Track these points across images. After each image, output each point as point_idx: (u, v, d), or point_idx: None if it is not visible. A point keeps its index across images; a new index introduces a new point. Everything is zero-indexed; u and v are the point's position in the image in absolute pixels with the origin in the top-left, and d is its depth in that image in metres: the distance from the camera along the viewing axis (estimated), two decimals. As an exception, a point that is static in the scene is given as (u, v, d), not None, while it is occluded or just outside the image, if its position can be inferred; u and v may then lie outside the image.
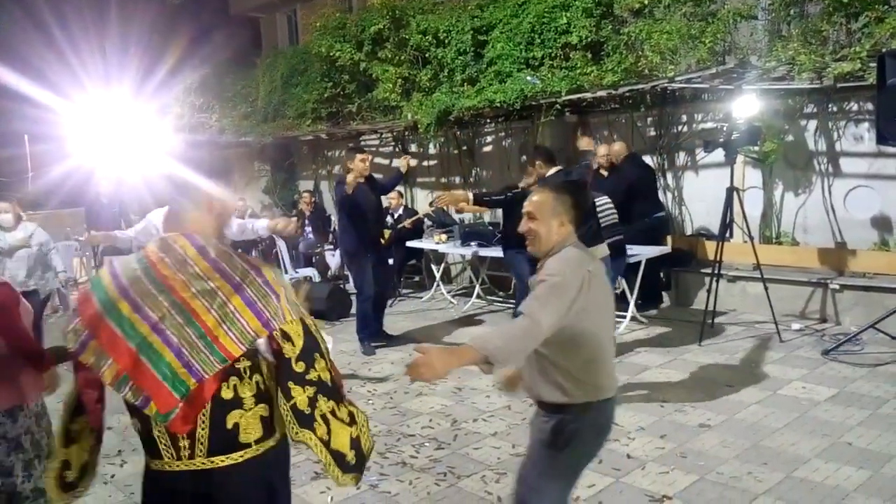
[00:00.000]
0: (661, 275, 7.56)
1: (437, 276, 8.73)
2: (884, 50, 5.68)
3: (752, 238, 6.32)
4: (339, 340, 6.96)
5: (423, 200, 10.20)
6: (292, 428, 1.81)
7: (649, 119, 8.23)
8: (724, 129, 6.79)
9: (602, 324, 2.44)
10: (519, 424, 4.52)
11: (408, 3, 10.31)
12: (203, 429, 1.79)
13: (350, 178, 6.09)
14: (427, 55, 9.71)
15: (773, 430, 4.22)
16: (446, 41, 9.41)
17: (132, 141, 10.90)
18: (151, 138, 11.10)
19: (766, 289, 6.08)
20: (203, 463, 1.80)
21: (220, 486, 1.82)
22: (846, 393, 4.77)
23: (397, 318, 7.84)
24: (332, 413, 1.86)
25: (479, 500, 3.59)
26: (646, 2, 7.49)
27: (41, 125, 12.77)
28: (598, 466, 3.84)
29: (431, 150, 10.39)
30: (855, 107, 6.73)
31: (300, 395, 1.80)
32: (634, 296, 6.80)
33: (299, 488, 3.78)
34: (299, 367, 1.80)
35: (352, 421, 1.91)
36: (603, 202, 5.92)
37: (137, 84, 12.38)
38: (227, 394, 1.79)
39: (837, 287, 6.45)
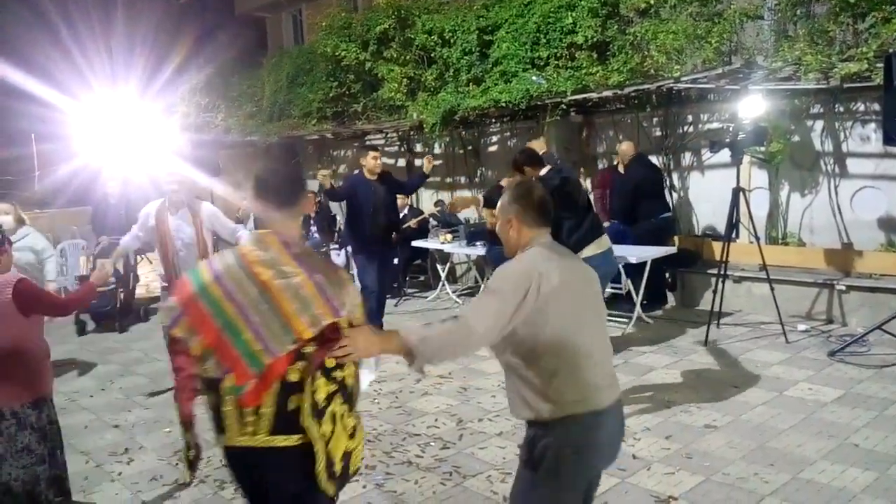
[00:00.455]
0: (667, 275, 7.55)
1: (443, 275, 8.74)
2: (891, 50, 5.67)
3: (758, 238, 6.31)
4: (345, 340, 6.97)
5: (428, 200, 10.21)
6: (304, 415, 1.97)
7: (655, 119, 8.22)
8: (730, 129, 6.78)
9: (571, 330, 2.17)
10: (523, 425, 4.51)
11: (413, 3, 10.31)
12: (268, 407, 1.98)
13: (330, 178, 6.33)
14: (432, 55, 9.71)
15: (779, 432, 4.21)
16: (452, 41, 9.41)
17: (138, 140, 10.95)
18: (158, 137, 11.14)
19: (772, 289, 6.06)
20: (264, 441, 1.98)
21: (272, 466, 1.99)
22: (853, 394, 4.76)
23: (403, 317, 7.85)
24: (341, 417, 2.04)
25: (485, 499, 3.59)
26: (652, 2, 7.48)
27: (48, 124, 12.83)
28: (604, 467, 3.85)
29: (437, 150, 10.39)
30: (862, 107, 6.71)
31: (323, 387, 2.00)
32: (640, 296, 6.80)
33: (305, 487, 3.79)
34: (330, 363, 2.01)
35: (352, 435, 2.08)
36: None
37: (143, 83, 12.43)
38: (292, 376, 1.99)
39: (844, 288, 6.43)
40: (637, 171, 7.37)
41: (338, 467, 2.02)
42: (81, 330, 7.78)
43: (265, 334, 1.97)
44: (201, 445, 2.21)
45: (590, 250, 4.75)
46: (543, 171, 4.95)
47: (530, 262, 2.22)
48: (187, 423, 2.13)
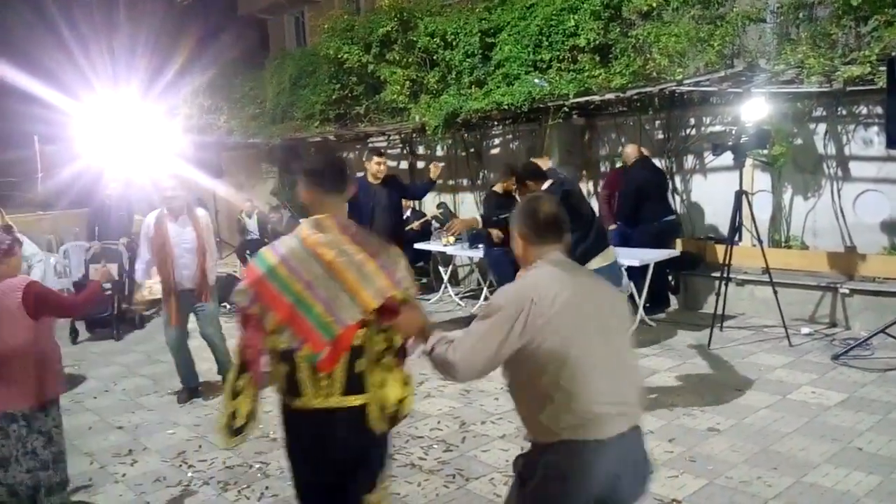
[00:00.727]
0: (670, 278, 7.55)
1: (445, 278, 8.74)
2: (894, 53, 5.67)
3: (760, 242, 6.31)
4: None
5: (430, 202, 10.21)
6: (384, 356, 2.30)
7: (657, 122, 8.23)
8: (733, 132, 6.78)
9: (570, 354, 2.05)
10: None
11: (416, 6, 10.33)
12: (340, 370, 2.24)
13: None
14: (435, 57, 9.73)
15: (782, 435, 4.21)
16: (454, 43, 9.42)
17: (141, 142, 10.96)
18: (160, 139, 11.16)
19: (775, 293, 6.06)
20: (337, 401, 2.24)
21: (342, 424, 2.25)
22: (856, 398, 4.76)
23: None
24: (391, 369, 2.32)
25: (488, 502, 3.59)
26: (654, 4, 7.48)
27: (51, 126, 12.85)
28: (607, 470, 3.84)
29: (439, 152, 10.41)
30: (864, 110, 6.71)
31: (378, 344, 2.29)
32: (643, 299, 6.80)
33: (309, 490, 3.80)
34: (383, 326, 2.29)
35: (405, 383, 2.35)
36: None
37: (146, 85, 12.45)
38: (358, 341, 2.26)
39: (847, 291, 6.43)
40: (639, 173, 7.37)
41: (389, 410, 2.30)
42: (75, 339, 7.49)
43: (335, 307, 2.21)
44: (256, 416, 2.40)
45: (596, 262, 4.72)
46: (546, 185, 4.99)
47: (526, 287, 2.13)
48: (254, 394, 2.35)
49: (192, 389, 5.44)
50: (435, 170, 6.93)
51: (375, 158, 6.58)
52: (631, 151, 7.50)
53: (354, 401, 2.26)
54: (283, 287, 2.23)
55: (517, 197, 5.70)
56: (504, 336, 2.05)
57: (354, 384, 2.26)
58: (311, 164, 2.43)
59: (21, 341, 3.12)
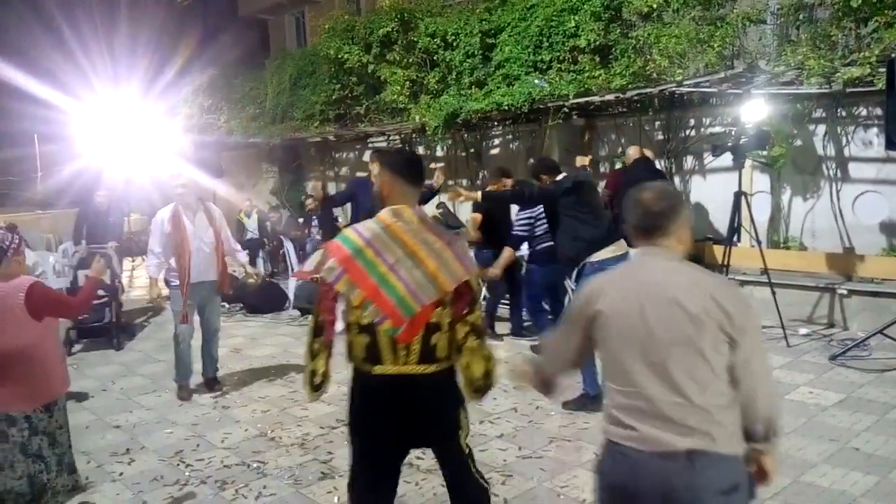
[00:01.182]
0: None
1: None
2: (893, 55, 5.68)
3: (759, 243, 6.31)
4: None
5: (430, 202, 10.21)
6: (446, 349, 2.53)
7: (657, 123, 8.23)
8: (733, 133, 6.79)
9: (617, 359, 2.00)
10: (525, 427, 4.52)
11: (416, 6, 10.35)
12: (417, 343, 2.49)
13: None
14: (435, 58, 9.74)
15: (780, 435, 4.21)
16: (454, 44, 9.44)
17: (141, 141, 10.97)
18: (160, 139, 11.16)
19: (773, 293, 6.06)
20: (412, 369, 2.49)
21: (418, 387, 2.51)
22: (854, 398, 4.76)
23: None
24: (476, 348, 2.55)
25: (486, 501, 3.59)
26: (654, 6, 7.49)
27: (50, 125, 12.87)
28: (605, 469, 3.84)
29: (439, 153, 10.41)
30: (864, 112, 6.72)
31: (461, 329, 2.54)
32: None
33: (306, 488, 3.80)
34: (468, 308, 2.54)
35: (488, 359, 2.56)
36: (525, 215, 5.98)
37: (146, 85, 12.47)
38: (434, 318, 2.50)
39: (845, 292, 6.43)
40: (635, 174, 7.35)
41: (480, 383, 2.56)
42: (69, 350, 6.79)
43: (414, 287, 2.45)
44: (330, 376, 2.67)
45: (608, 252, 4.71)
46: (559, 177, 5.08)
47: (590, 286, 2.13)
48: (327, 356, 2.64)
49: (188, 385, 5.48)
50: (441, 174, 6.85)
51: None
52: (633, 152, 7.48)
53: (428, 369, 2.52)
54: (370, 267, 2.47)
55: None
56: (574, 331, 2.16)
57: (428, 355, 2.51)
58: (394, 159, 2.69)
59: (24, 342, 3.09)
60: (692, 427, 1.89)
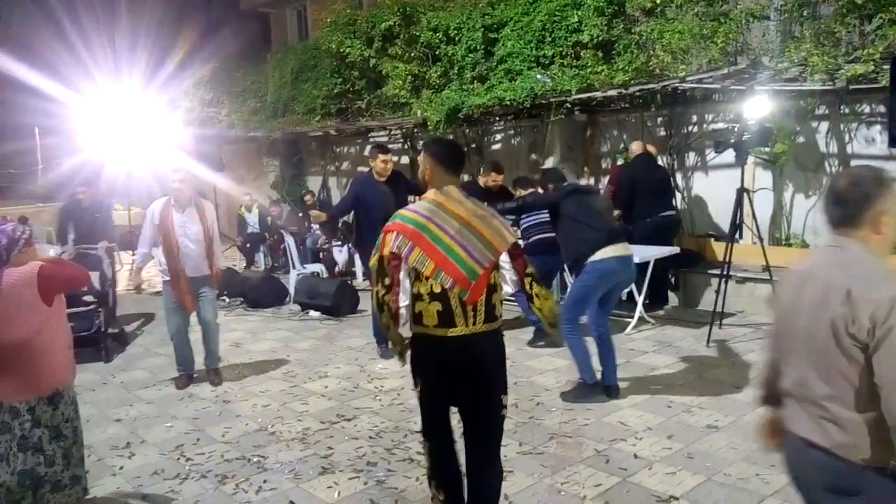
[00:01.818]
0: (670, 275, 7.53)
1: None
2: (897, 52, 5.65)
3: (761, 239, 6.29)
4: (347, 336, 6.97)
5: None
6: (543, 293, 2.98)
7: (659, 119, 8.21)
8: (735, 129, 6.77)
9: (776, 339, 2.15)
10: (526, 423, 4.52)
11: (419, 0, 10.31)
12: (482, 304, 2.81)
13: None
14: (437, 52, 9.71)
15: (781, 433, 4.20)
16: (457, 38, 9.41)
17: (142, 134, 10.94)
18: (161, 132, 11.13)
19: (775, 290, 6.04)
20: (480, 328, 2.81)
21: (486, 343, 2.86)
22: (855, 396, 4.75)
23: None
24: (541, 293, 2.97)
25: (486, 497, 3.58)
26: (658, 1, 7.45)
27: (51, 118, 12.85)
28: (605, 466, 3.84)
29: (440, 148, 10.38)
30: (867, 109, 6.69)
31: (528, 279, 2.94)
32: (642, 296, 6.79)
33: (306, 483, 3.80)
34: (525, 264, 2.95)
35: (549, 297, 3.02)
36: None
37: (147, 77, 12.43)
38: (492, 280, 2.85)
39: (847, 290, 6.41)
40: (635, 168, 7.34)
41: (553, 318, 3.03)
42: None
43: (475, 254, 2.80)
44: (406, 340, 2.92)
45: (608, 252, 4.74)
46: (564, 185, 5.31)
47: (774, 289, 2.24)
48: (395, 323, 2.83)
49: (189, 376, 5.55)
50: None
51: (381, 156, 6.21)
52: (636, 147, 7.47)
53: (492, 326, 2.86)
54: (435, 240, 2.79)
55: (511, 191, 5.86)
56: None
57: (491, 314, 2.85)
58: (437, 148, 3.01)
59: (35, 330, 3.08)
60: (821, 421, 1.94)
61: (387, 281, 2.81)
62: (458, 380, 2.86)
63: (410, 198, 7.49)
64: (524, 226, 6.30)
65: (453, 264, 2.77)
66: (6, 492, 3.06)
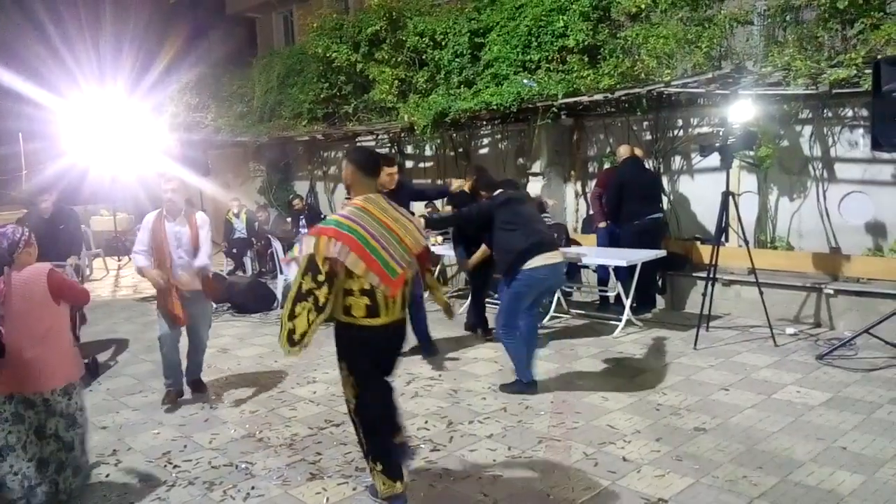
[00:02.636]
0: (658, 278, 7.57)
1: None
2: (879, 56, 5.72)
3: (747, 242, 6.34)
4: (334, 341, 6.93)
5: (419, 204, 10.21)
6: (435, 285, 3.84)
7: (645, 123, 8.26)
8: (720, 133, 6.81)
9: None
10: (514, 427, 4.52)
11: (405, 5, 10.33)
12: (399, 297, 3.32)
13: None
14: (424, 57, 9.73)
15: (767, 434, 4.23)
16: (443, 43, 9.43)
17: (127, 139, 10.87)
18: (146, 136, 11.07)
19: (760, 293, 6.10)
20: (398, 317, 3.39)
21: (402, 329, 3.49)
22: (840, 398, 4.79)
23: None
24: (435, 285, 3.82)
25: (476, 502, 3.58)
26: (642, 6, 7.52)
27: (35, 123, 12.73)
28: (594, 470, 3.85)
29: (427, 152, 10.40)
30: (850, 112, 6.77)
31: (429, 274, 3.77)
32: (630, 299, 6.82)
33: (295, 489, 3.78)
34: (430, 262, 3.61)
35: (439, 288, 3.86)
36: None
37: (132, 82, 12.37)
38: (407, 276, 3.34)
39: (832, 292, 6.48)
40: (624, 171, 7.37)
41: (447, 303, 3.86)
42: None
43: (395, 255, 3.26)
44: (309, 336, 3.23)
45: (539, 260, 4.92)
46: (496, 192, 5.39)
47: None
48: (313, 319, 3.19)
49: (179, 392, 5.36)
50: (459, 184, 6.61)
51: (386, 170, 5.84)
52: (623, 151, 7.49)
53: (404, 314, 3.44)
54: (365, 243, 3.18)
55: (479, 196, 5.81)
56: None
57: (404, 305, 3.40)
58: (359, 157, 3.45)
59: (48, 324, 3.39)
60: None
61: (319, 278, 3.14)
62: (382, 357, 3.45)
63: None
64: None
65: (378, 265, 3.20)
66: (22, 478, 3.27)
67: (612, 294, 7.47)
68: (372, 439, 3.39)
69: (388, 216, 3.31)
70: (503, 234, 5.08)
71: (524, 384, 5.14)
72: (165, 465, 4.16)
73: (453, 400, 5.10)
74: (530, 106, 8.14)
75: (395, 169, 6.18)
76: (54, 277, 3.46)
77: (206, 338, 5.47)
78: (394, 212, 3.37)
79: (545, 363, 5.79)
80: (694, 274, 7.36)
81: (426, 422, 4.69)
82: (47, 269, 3.46)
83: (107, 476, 4.06)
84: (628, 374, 5.49)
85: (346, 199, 3.62)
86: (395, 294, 3.27)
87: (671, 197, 8.11)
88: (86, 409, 3.56)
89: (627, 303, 6.81)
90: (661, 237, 7.50)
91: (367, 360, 3.39)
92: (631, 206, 7.26)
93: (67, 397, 3.42)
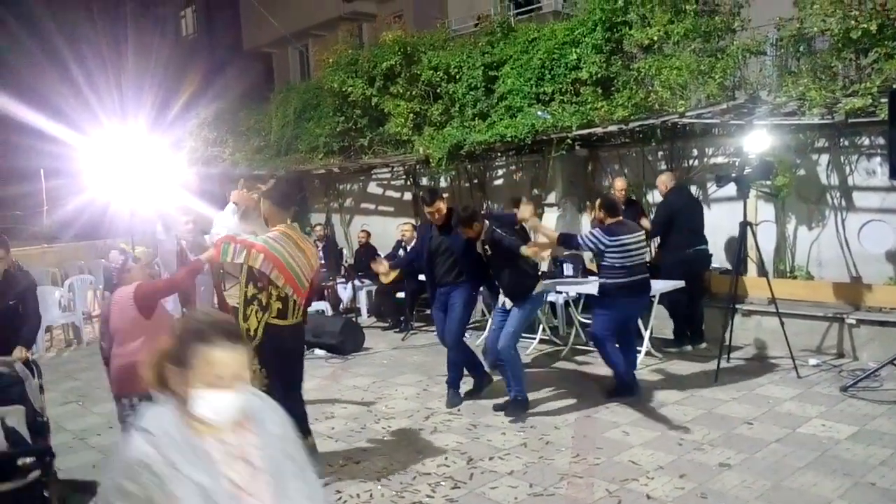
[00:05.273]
0: (699, 311, 7.20)
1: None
2: (894, 86, 5.72)
3: (766, 272, 6.28)
4: (353, 375, 6.94)
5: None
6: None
7: (660, 153, 8.27)
8: (736, 163, 6.80)
9: None
10: (536, 463, 4.47)
11: (419, 40, 10.47)
12: (301, 305, 4.36)
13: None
14: (438, 90, 9.83)
15: (794, 470, 4.16)
16: (457, 76, 9.53)
17: (147, 174, 11.03)
18: (165, 171, 11.23)
19: (781, 324, 6.03)
20: (299, 320, 4.40)
21: (301, 332, 4.52)
22: (867, 431, 4.71)
23: (409, 351, 7.82)
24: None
25: (498, 541, 3.54)
26: (655, 38, 7.57)
27: (56, 160, 12.97)
28: (618, 507, 3.79)
29: (443, 184, 10.46)
30: (867, 141, 6.75)
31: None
32: (649, 329, 6.75)
33: None
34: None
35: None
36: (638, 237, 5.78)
37: (153, 118, 12.57)
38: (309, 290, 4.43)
39: (854, 322, 6.40)
40: (672, 202, 7.11)
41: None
42: None
43: (304, 272, 4.28)
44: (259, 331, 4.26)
45: (541, 286, 5.57)
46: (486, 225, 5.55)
47: None
48: (261, 318, 4.33)
49: None
50: (526, 211, 5.81)
51: (427, 209, 5.72)
52: (666, 179, 7.30)
53: (304, 319, 4.53)
54: (286, 262, 4.17)
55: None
56: None
57: (305, 312, 4.53)
58: (275, 194, 4.44)
59: (140, 337, 3.98)
60: None
61: (259, 285, 4.20)
62: (292, 354, 4.38)
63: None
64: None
65: (294, 280, 4.19)
66: None
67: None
68: None
69: (301, 240, 4.38)
70: (510, 260, 5.29)
71: (521, 401, 5.45)
72: None
73: (473, 435, 5.06)
74: (545, 137, 8.18)
75: (434, 207, 5.68)
76: (138, 295, 4.09)
77: None
78: (304, 241, 4.47)
79: (564, 399, 5.74)
80: (713, 304, 7.28)
81: (446, 458, 4.66)
82: (135, 286, 4.16)
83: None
84: (649, 408, 5.43)
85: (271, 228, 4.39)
86: (302, 302, 4.32)
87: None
88: None
89: (646, 334, 6.74)
90: (707, 268, 7.29)
91: (279, 357, 4.20)
92: (678, 237, 7.01)
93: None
